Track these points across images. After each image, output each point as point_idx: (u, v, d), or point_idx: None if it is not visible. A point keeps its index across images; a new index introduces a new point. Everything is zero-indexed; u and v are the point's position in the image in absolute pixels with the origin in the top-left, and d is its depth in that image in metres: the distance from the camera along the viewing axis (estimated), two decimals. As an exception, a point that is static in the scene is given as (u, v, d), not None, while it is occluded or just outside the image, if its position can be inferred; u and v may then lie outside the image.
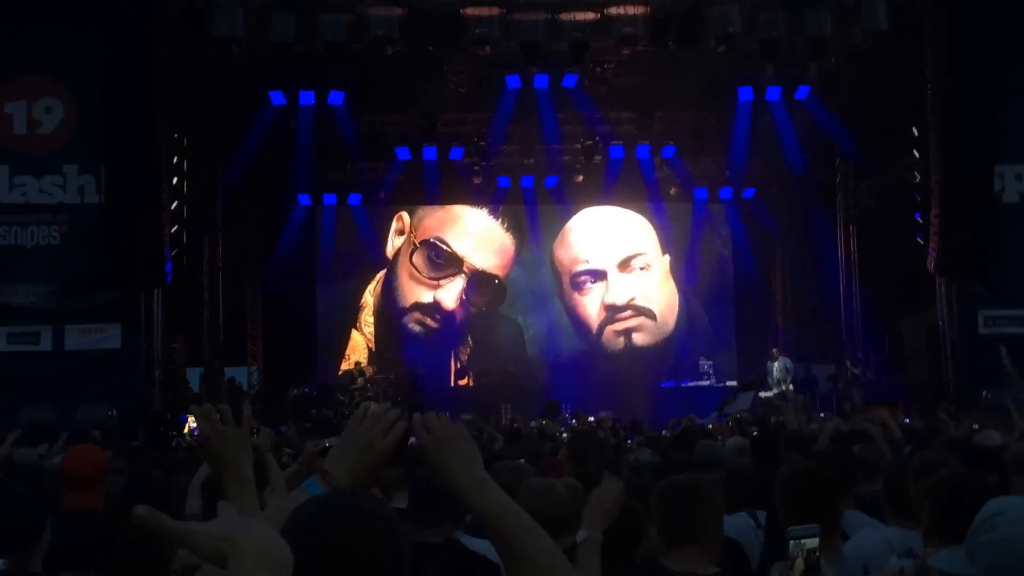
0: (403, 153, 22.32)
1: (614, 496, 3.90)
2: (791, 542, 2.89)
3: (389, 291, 23.84)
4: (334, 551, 1.98)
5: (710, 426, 13.75)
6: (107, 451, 7.33)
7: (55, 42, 17.85)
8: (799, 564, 2.85)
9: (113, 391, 17.29)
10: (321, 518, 2.03)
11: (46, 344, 17.83)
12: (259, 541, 1.71)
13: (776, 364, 20.93)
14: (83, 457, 5.78)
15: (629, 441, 11.99)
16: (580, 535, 3.69)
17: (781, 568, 2.88)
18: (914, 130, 19.90)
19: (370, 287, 23.91)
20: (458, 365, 23.14)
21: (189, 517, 4.53)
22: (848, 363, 21.05)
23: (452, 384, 22.90)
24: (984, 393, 16.83)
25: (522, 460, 7.23)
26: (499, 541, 2.34)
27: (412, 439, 2.43)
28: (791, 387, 20.49)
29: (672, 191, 23.66)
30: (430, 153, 22.24)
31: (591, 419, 16.61)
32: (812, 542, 2.90)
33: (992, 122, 18.22)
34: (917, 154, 19.82)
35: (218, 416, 2.96)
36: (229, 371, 21.49)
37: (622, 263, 23.75)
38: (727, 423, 14.22)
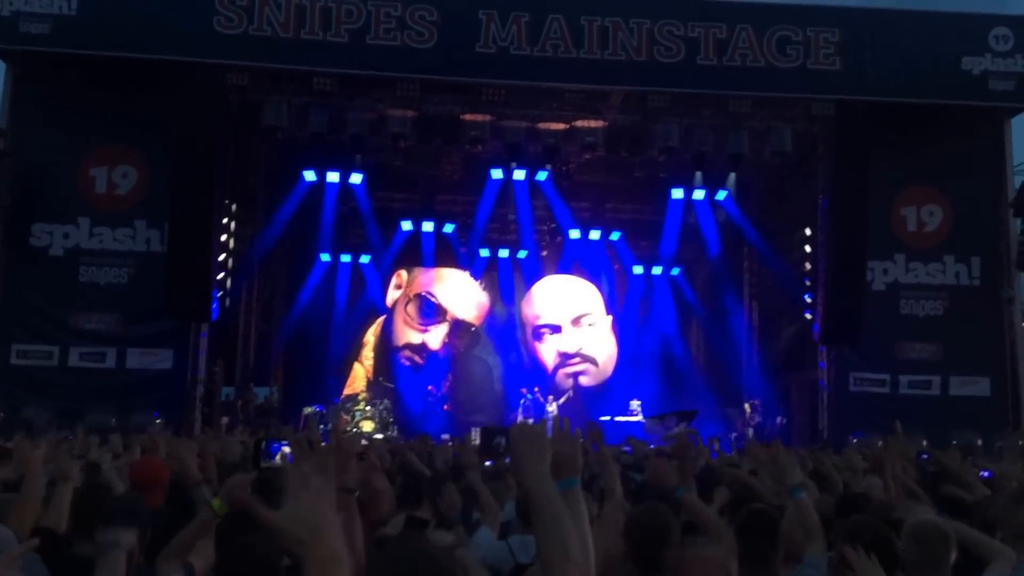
0: (406, 225, 21.84)
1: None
2: None
3: (387, 333, 23.17)
4: None
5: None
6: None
7: (132, 121, 17.43)
8: None
9: (163, 403, 16.85)
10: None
11: (111, 362, 17.36)
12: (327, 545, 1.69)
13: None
14: (148, 465, 5.35)
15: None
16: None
17: None
18: (806, 230, 19.83)
19: (372, 329, 23.20)
20: (439, 394, 22.36)
21: None
22: (747, 407, 20.65)
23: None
24: (851, 438, 16.64)
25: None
26: (538, 520, 2.27)
27: (497, 439, 2.60)
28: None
29: (616, 267, 23.17)
30: (428, 226, 21.75)
31: None
32: None
33: (866, 227, 18.24)
34: (808, 248, 19.72)
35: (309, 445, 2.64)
36: (255, 390, 20.51)
37: (574, 320, 23.28)
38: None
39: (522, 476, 2.40)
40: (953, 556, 3.71)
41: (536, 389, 21.27)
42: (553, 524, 2.25)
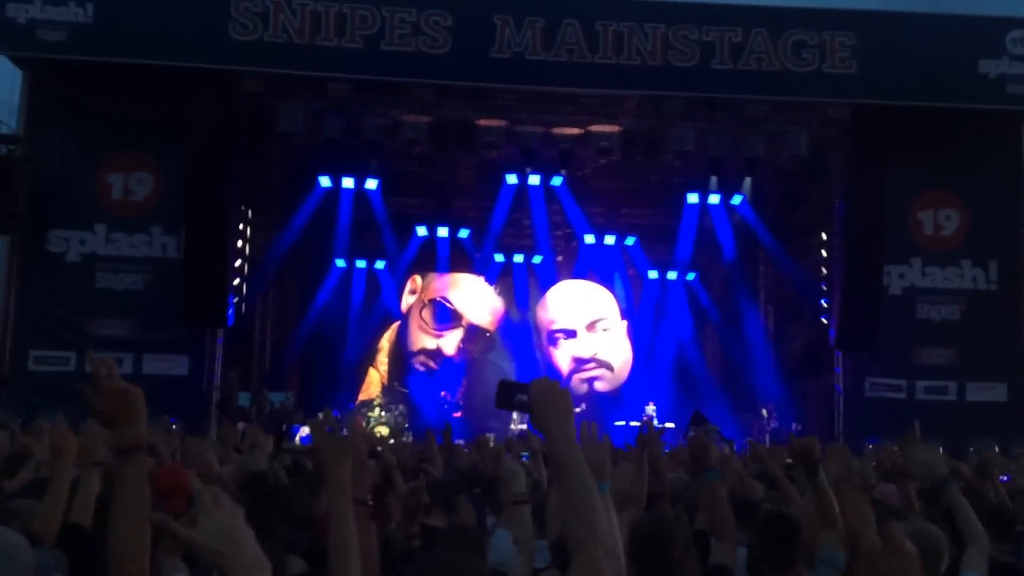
0: (421, 230, 21.71)
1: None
2: None
3: (401, 338, 22.99)
4: None
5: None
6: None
7: (148, 127, 17.25)
8: None
9: (179, 409, 16.31)
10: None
11: (126, 368, 16.81)
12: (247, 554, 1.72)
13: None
14: (171, 473, 5.17)
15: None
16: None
17: None
18: (822, 234, 19.65)
19: (387, 334, 23.02)
20: (453, 400, 22.06)
21: None
22: (764, 412, 20.37)
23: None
24: (866, 443, 16.35)
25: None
26: (564, 490, 2.23)
27: (519, 396, 2.35)
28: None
29: (631, 272, 22.94)
30: (443, 231, 21.63)
31: None
32: None
33: (883, 231, 18.03)
34: (824, 252, 19.53)
35: (327, 428, 2.86)
36: (270, 396, 20.24)
37: (589, 325, 23.05)
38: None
39: (548, 441, 2.31)
40: (945, 565, 3.74)
41: None
42: (581, 495, 2.18)
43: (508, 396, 2.40)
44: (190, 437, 9.69)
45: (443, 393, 21.94)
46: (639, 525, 3.70)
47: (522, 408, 2.35)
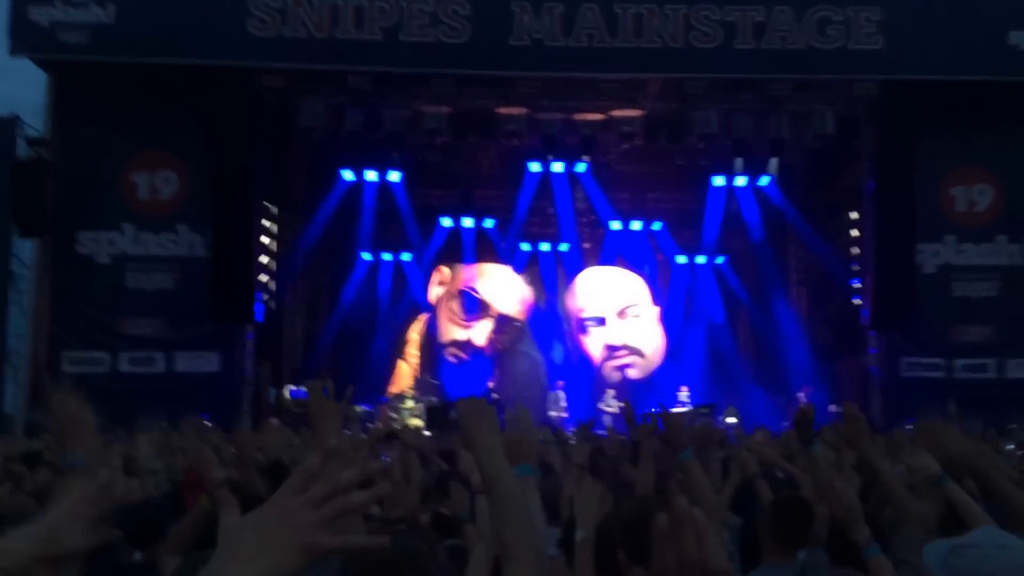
0: (446, 221, 21.62)
1: (598, 497, 3.46)
2: None
3: (430, 330, 22.91)
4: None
5: None
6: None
7: (172, 126, 17.39)
8: None
9: (211, 406, 16.58)
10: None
11: (159, 367, 17.35)
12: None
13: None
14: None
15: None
16: (579, 534, 3.21)
17: None
18: (851, 214, 19.46)
19: (415, 326, 22.94)
20: (485, 391, 21.52)
21: None
22: (801, 394, 19.98)
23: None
24: (904, 424, 16.29)
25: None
26: (492, 497, 2.28)
27: (453, 412, 2.48)
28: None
29: (659, 257, 22.65)
30: (467, 222, 21.54)
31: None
32: None
33: (915, 209, 17.77)
34: (855, 232, 19.32)
35: (322, 389, 2.97)
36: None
37: (620, 312, 22.78)
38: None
39: (475, 455, 2.37)
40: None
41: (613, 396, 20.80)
42: (510, 505, 2.22)
43: (439, 417, 2.54)
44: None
45: (490, 384, 21.78)
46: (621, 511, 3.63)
47: (453, 427, 2.46)
